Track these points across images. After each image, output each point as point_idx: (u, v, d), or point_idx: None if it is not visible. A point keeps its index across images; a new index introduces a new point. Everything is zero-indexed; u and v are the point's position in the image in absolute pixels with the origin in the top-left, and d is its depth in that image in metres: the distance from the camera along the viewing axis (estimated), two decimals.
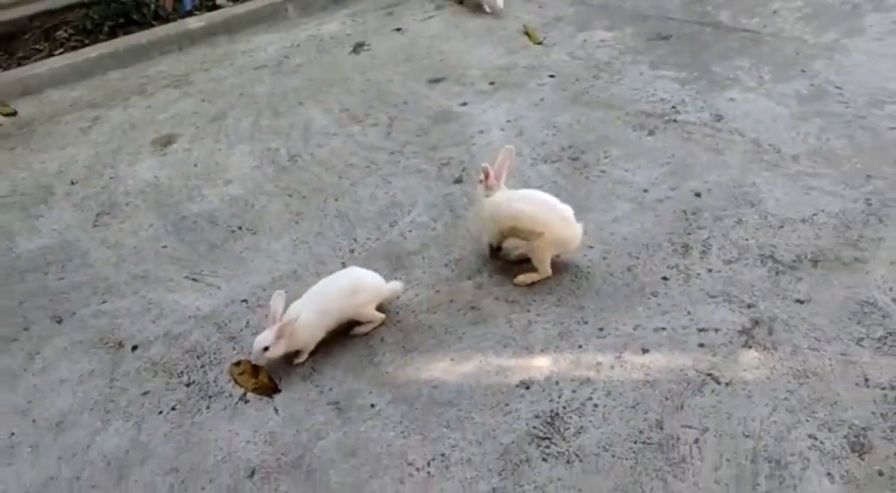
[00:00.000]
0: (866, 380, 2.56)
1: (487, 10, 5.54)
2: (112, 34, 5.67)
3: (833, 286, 2.95)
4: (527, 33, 5.18)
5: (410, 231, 3.51)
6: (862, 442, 2.37)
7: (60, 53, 5.53)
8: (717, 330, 2.82)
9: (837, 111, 3.99)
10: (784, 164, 3.67)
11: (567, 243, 3.12)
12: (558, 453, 2.44)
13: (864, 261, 3.06)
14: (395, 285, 3.05)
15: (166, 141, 4.37)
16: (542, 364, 2.77)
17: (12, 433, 2.72)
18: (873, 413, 2.44)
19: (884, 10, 4.98)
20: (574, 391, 2.64)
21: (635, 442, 2.45)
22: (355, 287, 2.90)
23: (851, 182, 3.48)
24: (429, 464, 2.45)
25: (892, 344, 2.68)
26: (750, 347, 2.74)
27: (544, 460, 2.43)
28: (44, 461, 2.61)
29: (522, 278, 3.14)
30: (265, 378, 2.78)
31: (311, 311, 2.82)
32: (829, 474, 2.28)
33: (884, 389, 2.52)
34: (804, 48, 4.65)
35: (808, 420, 2.46)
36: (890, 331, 2.73)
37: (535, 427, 2.53)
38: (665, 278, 3.08)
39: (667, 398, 2.58)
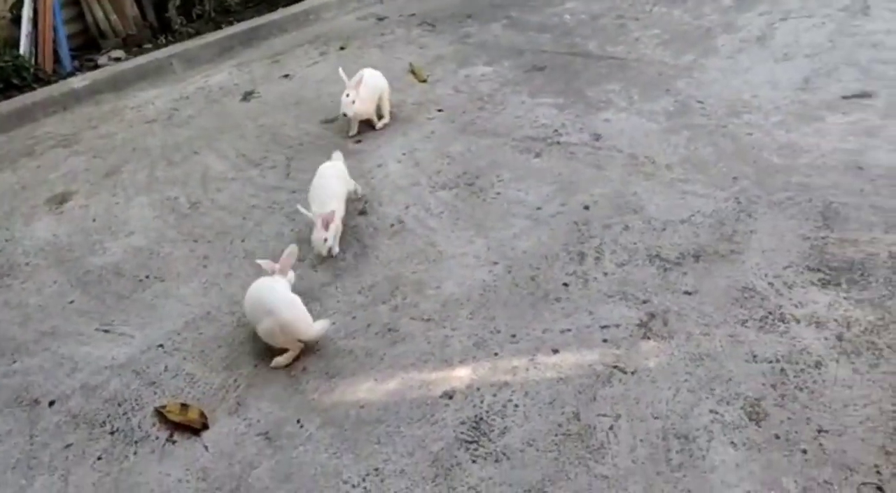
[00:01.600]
0: (754, 356, 2.83)
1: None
2: None
3: (715, 277, 3.25)
4: (412, 72, 5.41)
5: (321, 264, 3.60)
6: (757, 411, 2.62)
7: None
8: (617, 326, 3.04)
9: (701, 123, 4.39)
10: (660, 173, 3.99)
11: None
12: (486, 453, 2.58)
13: (740, 252, 3.37)
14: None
15: (61, 199, 4.30)
16: (462, 374, 2.90)
17: None
18: (763, 385, 2.70)
19: (732, 31, 5.49)
20: (495, 395, 2.79)
21: (556, 435, 2.61)
22: (342, 170, 3.77)
23: (720, 184, 3.83)
24: (364, 479, 2.53)
25: (772, 322, 2.97)
26: (649, 338, 2.98)
27: (474, 461, 2.55)
28: None
29: (280, 360, 3.04)
30: (195, 414, 2.80)
31: (330, 199, 3.56)
32: (732, 442, 2.51)
33: (770, 362, 2.80)
34: (666, 69, 5.07)
35: (707, 397, 2.69)
36: (769, 311, 3.03)
37: (461, 433, 2.66)
38: (566, 284, 3.30)
39: (580, 392, 2.77)
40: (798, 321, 2.96)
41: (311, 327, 3.04)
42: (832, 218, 3.50)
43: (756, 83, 4.72)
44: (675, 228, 3.57)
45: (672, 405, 2.68)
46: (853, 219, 3.48)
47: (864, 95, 4.45)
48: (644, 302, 3.15)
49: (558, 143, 4.37)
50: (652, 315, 3.08)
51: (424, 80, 5.30)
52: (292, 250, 3.20)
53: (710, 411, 2.64)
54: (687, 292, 3.18)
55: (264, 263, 3.20)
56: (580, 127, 4.50)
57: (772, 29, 5.43)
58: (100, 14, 6.30)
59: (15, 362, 3.20)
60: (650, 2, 6.18)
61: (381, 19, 6.45)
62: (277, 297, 3.04)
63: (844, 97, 4.46)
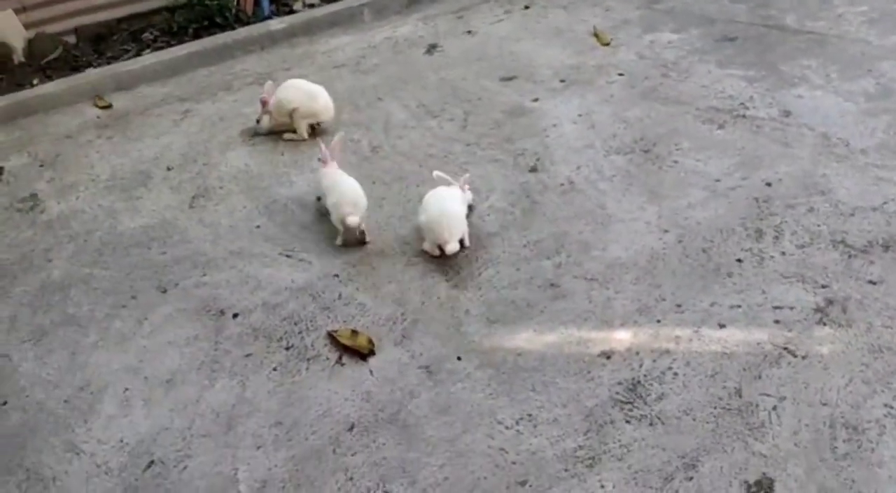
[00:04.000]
0: None
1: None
2: (196, 36, 5.97)
3: None
4: (595, 35, 5.33)
5: (489, 215, 3.68)
6: None
7: (148, 53, 5.85)
8: (791, 308, 2.93)
9: None
10: (853, 156, 3.76)
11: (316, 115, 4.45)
12: (641, 416, 2.58)
13: None
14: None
15: (254, 132, 4.61)
16: (622, 337, 2.91)
17: (126, 389, 2.94)
18: None
19: None
20: (654, 361, 2.78)
21: (715, 408, 2.58)
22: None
23: None
24: (517, 423, 2.61)
25: None
26: (825, 324, 2.85)
27: (627, 422, 2.57)
28: (156, 413, 2.82)
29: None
30: (364, 340, 2.97)
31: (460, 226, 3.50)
32: None
33: None
34: (870, 49, 4.73)
35: (883, 391, 2.56)
36: None
37: (617, 393, 2.68)
38: (739, 260, 3.20)
39: (744, 369, 2.70)
40: None
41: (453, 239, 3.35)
42: None
43: None
44: (864, 215, 3.36)
45: (843, 394, 2.57)
46: None
47: None
48: (823, 287, 3.01)
49: (744, 116, 4.20)
50: (830, 301, 2.94)
51: (608, 44, 5.21)
52: (341, 136, 3.88)
53: (885, 405, 2.51)
54: (871, 282, 3.01)
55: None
56: (769, 102, 4.30)
57: None
58: None
59: (205, 274, 3.51)
60: None
61: None
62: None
63: None
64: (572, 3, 5.92)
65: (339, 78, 5.19)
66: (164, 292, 3.43)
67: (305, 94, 4.44)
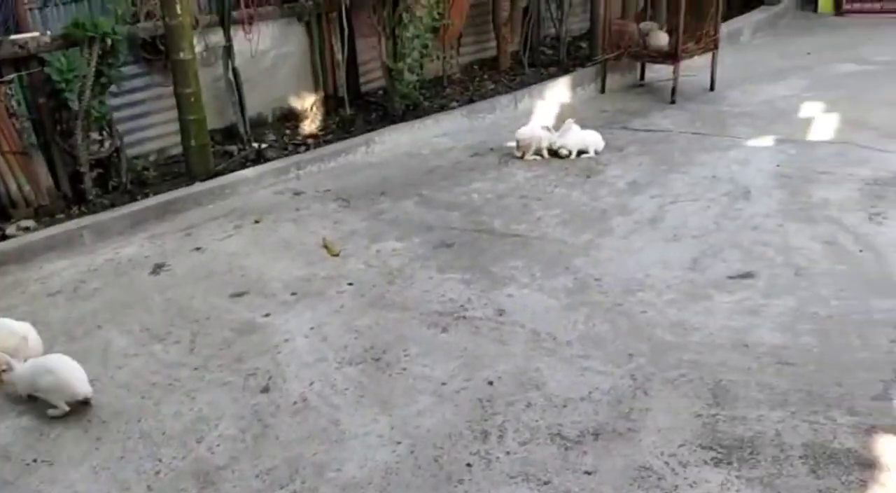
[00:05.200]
0: None
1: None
2: None
3: (614, 456, 3.31)
4: (325, 246, 5.54)
5: (218, 445, 3.51)
6: None
7: None
8: None
9: (598, 300, 4.60)
10: (560, 349, 4.12)
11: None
12: None
13: (637, 430, 3.47)
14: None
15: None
16: None
17: None
18: None
19: (626, 213, 5.88)
20: None
21: None
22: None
23: (617, 361, 3.98)
24: None
25: None
26: None
27: None
28: None
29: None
30: None
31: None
32: None
33: None
34: (565, 248, 5.35)
35: None
36: (665, 491, 3.09)
37: None
38: (469, 465, 3.30)
39: None
40: None
41: None
42: (722, 395, 3.66)
43: (648, 262, 5.02)
44: (575, 406, 3.65)
45: None
46: (741, 397, 3.64)
47: (746, 275, 4.79)
48: (546, 483, 3.17)
49: (464, 317, 4.49)
50: None
51: (337, 254, 5.43)
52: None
53: None
54: (587, 472, 3.23)
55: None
56: (485, 302, 4.65)
57: (662, 211, 5.85)
58: (13, 185, 6.28)
59: None
60: (552, 183, 6.59)
61: (297, 194, 6.65)
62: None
63: (729, 277, 4.78)
64: (301, 216, 6.15)
65: (54, 306, 4.86)
66: None
67: (8, 333, 4.08)
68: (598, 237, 5.48)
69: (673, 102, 8.75)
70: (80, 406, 3.79)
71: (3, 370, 3.84)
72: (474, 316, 4.51)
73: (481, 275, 5.01)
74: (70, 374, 3.82)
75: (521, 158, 7.33)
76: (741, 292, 4.59)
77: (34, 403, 3.84)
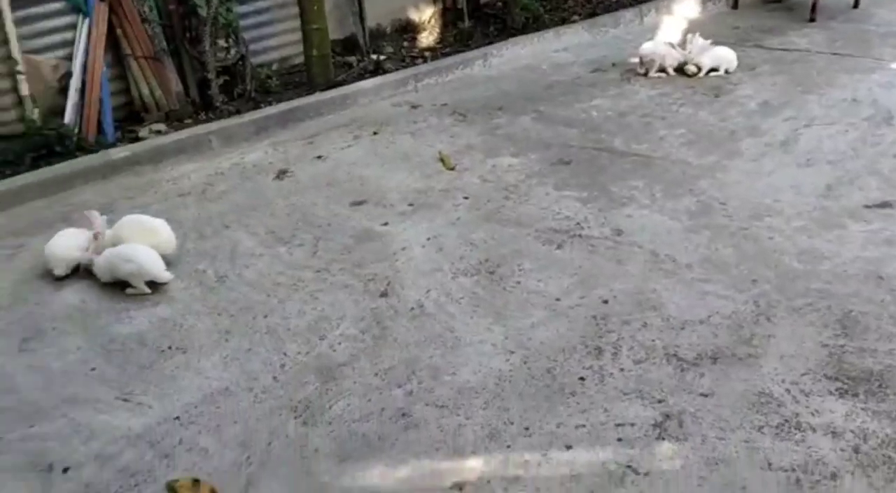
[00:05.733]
0: (769, 464, 2.81)
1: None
2: (34, 166, 5.74)
3: (732, 380, 3.24)
4: (441, 160, 5.55)
5: (340, 343, 3.65)
6: None
7: None
8: (632, 424, 3.04)
9: (723, 224, 4.44)
10: (680, 272, 4.03)
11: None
12: None
13: (758, 356, 3.38)
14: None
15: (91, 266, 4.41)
16: (473, 465, 2.90)
17: None
18: None
19: (757, 135, 5.60)
20: (506, 490, 2.78)
21: None
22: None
23: (740, 286, 3.86)
24: None
25: (788, 430, 2.96)
26: (664, 439, 2.97)
27: None
28: None
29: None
30: (206, 491, 2.80)
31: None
32: None
33: (786, 471, 2.77)
34: (689, 169, 5.17)
35: None
36: (786, 418, 3.01)
37: None
38: (582, 379, 3.31)
39: (592, 491, 2.75)
40: (814, 430, 2.94)
41: None
42: (851, 327, 3.50)
43: (778, 187, 4.79)
44: (693, 328, 3.59)
45: None
46: (872, 329, 3.48)
47: (885, 204, 4.50)
48: (660, 402, 3.15)
49: (580, 235, 4.44)
50: (667, 416, 3.07)
51: (452, 168, 5.43)
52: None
53: None
54: (704, 394, 3.18)
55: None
56: (602, 221, 4.58)
57: (796, 135, 5.54)
58: (145, 89, 6.57)
59: (33, 426, 3.24)
60: (677, 102, 6.33)
61: (414, 107, 6.65)
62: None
63: (866, 206, 4.51)
64: (419, 129, 6.17)
65: (185, 206, 5.10)
66: None
67: (144, 229, 4.33)
68: (724, 159, 5.26)
69: (812, 19, 8.15)
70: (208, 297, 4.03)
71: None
72: (591, 235, 4.45)
73: (599, 194, 4.92)
74: (149, 262, 4.13)
75: (645, 75, 7.05)
76: (878, 222, 4.33)
77: (162, 294, 4.11)
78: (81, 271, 4.27)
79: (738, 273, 3.97)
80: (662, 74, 7.03)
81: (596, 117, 6.16)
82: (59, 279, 4.27)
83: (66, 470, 3.00)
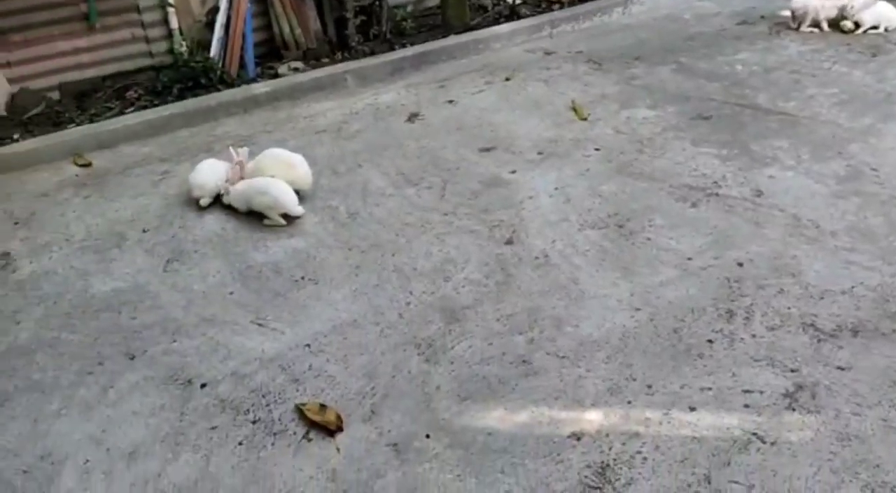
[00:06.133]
0: None
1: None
2: (180, 96, 6.03)
3: (874, 355, 3.07)
4: (573, 109, 5.44)
5: (464, 287, 3.69)
6: None
7: (131, 112, 5.88)
8: (761, 392, 2.94)
9: (874, 191, 4.17)
10: (823, 239, 3.82)
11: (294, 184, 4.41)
12: None
13: None
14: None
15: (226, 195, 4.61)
16: (592, 417, 2.89)
17: (87, 461, 2.87)
18: None
19: None
20: (624, 444, 2.76)
21: None
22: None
23: (889, 258, 3.62)
24: None
25: None
26: (794, 410, 2.86)
27: None
28: (116, 488, 2.75)
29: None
30: (332, 416, 2.93)
31: None
32: None
33: None
34: (840, 131, 4.86)
35: (851, 481, 2.56)
36: None
37: (586, 477, 2.65)
38: (710, 341, 3.22)
39: (714, 455, 2.69)
40: None
41: None
42: None
43: None
44: (834, 298, 3.41)
45: (811, 483, 2.56)
46: None
47: None
48: (792, 371, 3.03)
49: (717, 194, 4.27)
50: (800, 386, 2.95)
51: (585, 118, 5.32)
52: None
53: None
54: (840, 368, 3.03)
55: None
56: (742, 181, 4.38)
57: None
58: (285, 27, 6.74)
59: (175, 341, 3.47)
60: (830, 59, 5.93)
61: (548, 54, 6.53)
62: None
63: None
64: (552, 76, 6.05)
65: (320, 143, 5.24)
66: (132, 358, 3.38)
67: (283, 162, 4.48)
68: (880, 123, 4.90)
69: None
70: (340, 232, 4.14)
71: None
72: (728, 194, 4.27)
73: (740, 152, 4.70)
74: (283, 195, 4.28)
75: (796, 29, 6.63)
76: None
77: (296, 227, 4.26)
78: (223, 200, 4.48)
79: (888, 244, 3.73)
80: (815, 29, 6.60)
81: (740, 72, 5.86)
82: (202, 208, 4.49)
83: (203, 386, 3.20)
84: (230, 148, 4.56)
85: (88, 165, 5.21)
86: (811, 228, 3.91)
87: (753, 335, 3.23)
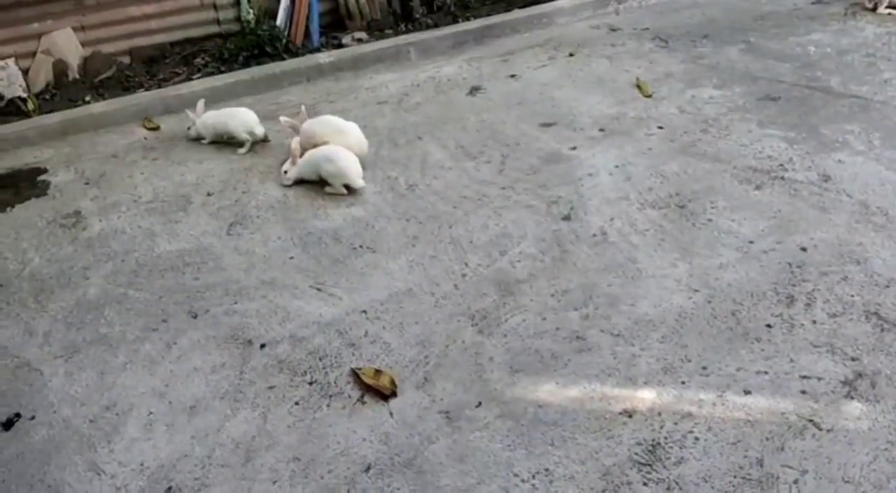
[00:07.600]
0: None
1: None
2: (246, 64, 6.13)
3: None
4: (637, 86, 5.37)
5: (519, 261, 3.70)
6: None
7: (198, 78, 6.00)
8: (819, 379, 2.89)
9: None
10: (892, 227, 3.72)
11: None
12: (659, 479, 2.56)
13: None
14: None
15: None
16: (644, 396, 2.89)
17: (150, 413, 2.99)
18: None
19: None
20: (676, 424, 2.76)
21: (735, 477, 2.54)
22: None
23: None
24: (534, 476, 2.60)
25: None
26: (852, 398, 2.81)
27: (644, 484, 2.54)
28: (178, 439, 2.86)
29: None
30: (387, 381, 2.99)
31: None
32: None
33: None
34: None
35: None
36: None
37: (636, 454, 2.66)
38: (769, 326, 3.17)
39: (767, 439, 2.67)
40: None
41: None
42: None
43: None
44: None
45: (866, 472, 2.52)
46: None
47: None
48: (853, 359, 2.97)
49: (782, 178, 4.18)
50: (859, 375, 2.90)
51: (650, 96, 5.24)
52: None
53: None
54: None
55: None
56: (809, 165, 4.28)
57: None
58: None
59: (236, 302, 3.57)
60: None
61: (613, 30, 6.44)
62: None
63: None
64: (616, 53, 5.97)
65: (381, 114, 5.28)
66: (195, 317, 3.49)
67: (335, 129, 4.54)
68: None
69: None
70: (399, 203, 4.19)
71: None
72: (794, 178, 4.18)
73: (808, 135, 4.58)
74: (348, 165, 4.33)
75: (873, 10, 6.40)
76: None
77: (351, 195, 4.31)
78: (287, 176, 4.55)
79: None
80: (893, 11, 6.35)
81: (812, 53, 5.69)
82: (264, 176, 4.59)
83: (262, 346, 3.29)
84: (302, 107, 4.66)
85: (157, 128, 5.35)
86: (879, 216, 3.80)
87: (814, 322, 3.18)
